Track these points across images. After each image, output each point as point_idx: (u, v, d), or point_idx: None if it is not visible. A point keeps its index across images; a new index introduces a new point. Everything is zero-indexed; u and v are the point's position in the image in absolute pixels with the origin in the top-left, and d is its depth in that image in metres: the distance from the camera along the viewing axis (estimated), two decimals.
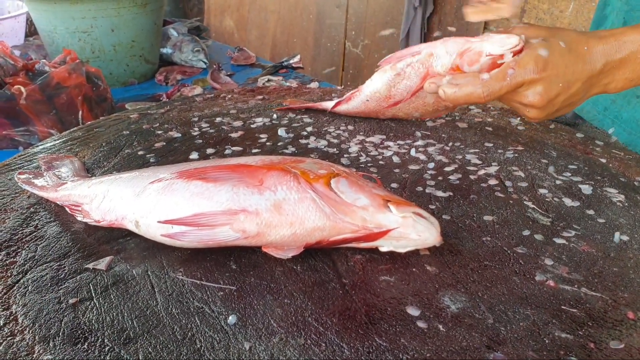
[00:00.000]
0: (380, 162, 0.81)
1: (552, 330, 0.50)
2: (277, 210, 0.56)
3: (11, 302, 0.53)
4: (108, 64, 1.51)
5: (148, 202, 0.59)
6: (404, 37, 2.81)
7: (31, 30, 1.88)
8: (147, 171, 0.66)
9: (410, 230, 0.56)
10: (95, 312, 0.52)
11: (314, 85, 1.17)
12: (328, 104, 0.98)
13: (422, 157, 0.83)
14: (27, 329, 0.50)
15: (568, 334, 0.49)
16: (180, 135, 0.90)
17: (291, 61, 1.70)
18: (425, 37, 2.80)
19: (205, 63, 1.71)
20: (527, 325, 0.50)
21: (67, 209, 0.67)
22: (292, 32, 4.00)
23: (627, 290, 0.55)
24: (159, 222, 0.58)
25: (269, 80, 1.55)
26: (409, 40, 2.82)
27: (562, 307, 0.53)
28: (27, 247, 0.61)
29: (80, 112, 1.17)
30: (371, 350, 0.47)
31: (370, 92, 0.90)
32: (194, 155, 0.83)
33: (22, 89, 1.09)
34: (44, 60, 1.26)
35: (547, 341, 0.49)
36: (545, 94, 0.70)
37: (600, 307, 0.53)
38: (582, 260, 0.60)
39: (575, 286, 0.56)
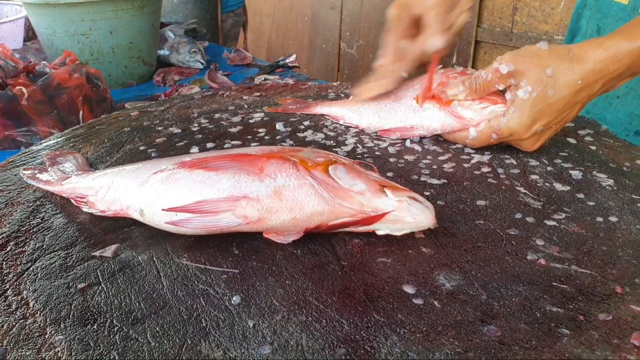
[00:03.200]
0: (377, 153, 0.83)
1: (544, 304, 0.52)
2: (277, 196, 0.58)
3: (22, 288, 0.55)
4: (107, 65, 1.53)
5: (152, 192, 0.61)
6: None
7: (29, 35, 1.90)
8: (150, 163, 0.68)
9: (405, 213, 0.58)
10: (103, 295, 0.54)
11: (310, 83, 1.19)
12: (320, 109, 0.99)
13: (417, 147, 0.85)
14: (39, 312, 0.52)
15: (559, 307, 0.52)
16: (180, 130, 0.92)
17: (287, 60, 1.73)
18: None
19: (202, 63, 1.73)
20: (519, 301, 0.52)
21: (72, 201, 0.69)
22: (287, 34, 4.02)
23: (615, 267, 0.57)
24: (163, 210, 0.60)
25: (265, 80, 1.57)
26: None
27: (553, 283, 0.55)
28: (35, 237, 0.63)
29: (81, 112, 1.18)
30: (370, 325, 0.49)
31: (364, 124, 0.93)
32: (195, 149, 0.85)
33: (24, 89, 1.11)
34: (45, 62, 1.28)
35: (538, 315, 0.51)
36: (539, 142, 0.79)
37: (590, 283, 0.55)
38: (572, 240, 0.62)
39: (566, 264, 0.58)
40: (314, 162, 0.61)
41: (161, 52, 1.75)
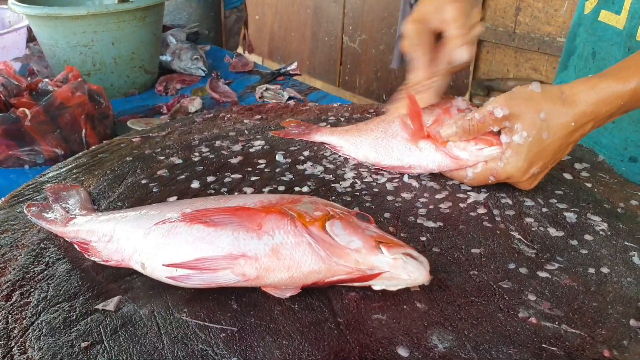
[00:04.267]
0: (375, 190, 0.84)
1: None
2: (275, 254, 0.60)
3: (27, 345, 0.57)
4: (109, 76, 1.54)
5: (153, 245, 0.63)
6: (400, 33, 2.81)
7: (32, 36, 1.90)
8: (152, 210, 0.69)
9: (400, 271, 0.59)
10: (106, 355, 0.55)
11: (310, 105, 1.20)
12: (320, 137, 1.00)
13: (415, 183, 0.86)
14: None
15: None
16: (181, 161, 0.94)
17: (288, 68, 1.73)
18: None
19: (204, 71, 1.73)
20: None
21: (76, 246, 0.71)
22: (290, 26, 4.01)
23: (605, 326, 0.59)
24: (163, 265, 0.61)
25: (267, 89, 1.57)
26: None
27: (543, 345, 0.56)
28: (39, 286, 0.65)
29: (83, 131, 1.19)
30: None
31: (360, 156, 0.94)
32: (195, 184, 0.86)
33: (27, 111, 1.12)
34: (47, 80, 1.29)
35: None
36: (536, 181, 0.81)
37: (579, 345, 0.56)
38: (563, 295, 0.63)
39: (556, 323, 0.59)
40: (312, 217, 0.63)
41: (163, 57, 1.75)
